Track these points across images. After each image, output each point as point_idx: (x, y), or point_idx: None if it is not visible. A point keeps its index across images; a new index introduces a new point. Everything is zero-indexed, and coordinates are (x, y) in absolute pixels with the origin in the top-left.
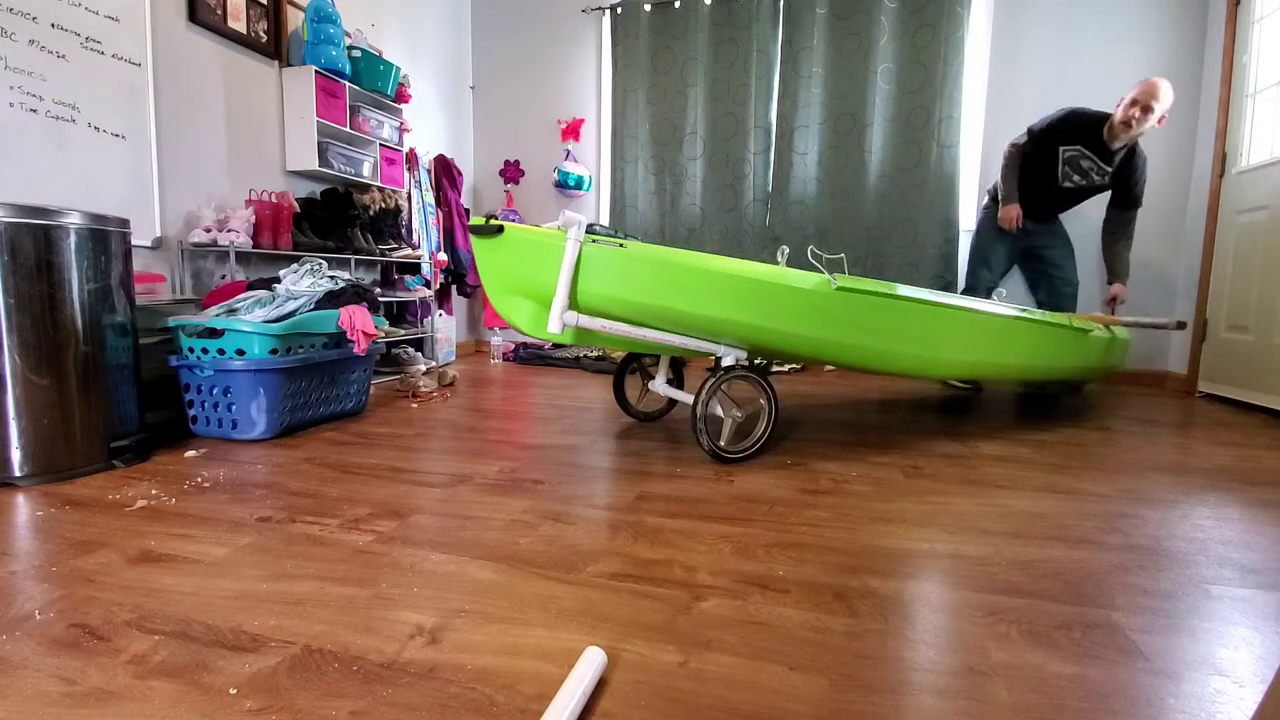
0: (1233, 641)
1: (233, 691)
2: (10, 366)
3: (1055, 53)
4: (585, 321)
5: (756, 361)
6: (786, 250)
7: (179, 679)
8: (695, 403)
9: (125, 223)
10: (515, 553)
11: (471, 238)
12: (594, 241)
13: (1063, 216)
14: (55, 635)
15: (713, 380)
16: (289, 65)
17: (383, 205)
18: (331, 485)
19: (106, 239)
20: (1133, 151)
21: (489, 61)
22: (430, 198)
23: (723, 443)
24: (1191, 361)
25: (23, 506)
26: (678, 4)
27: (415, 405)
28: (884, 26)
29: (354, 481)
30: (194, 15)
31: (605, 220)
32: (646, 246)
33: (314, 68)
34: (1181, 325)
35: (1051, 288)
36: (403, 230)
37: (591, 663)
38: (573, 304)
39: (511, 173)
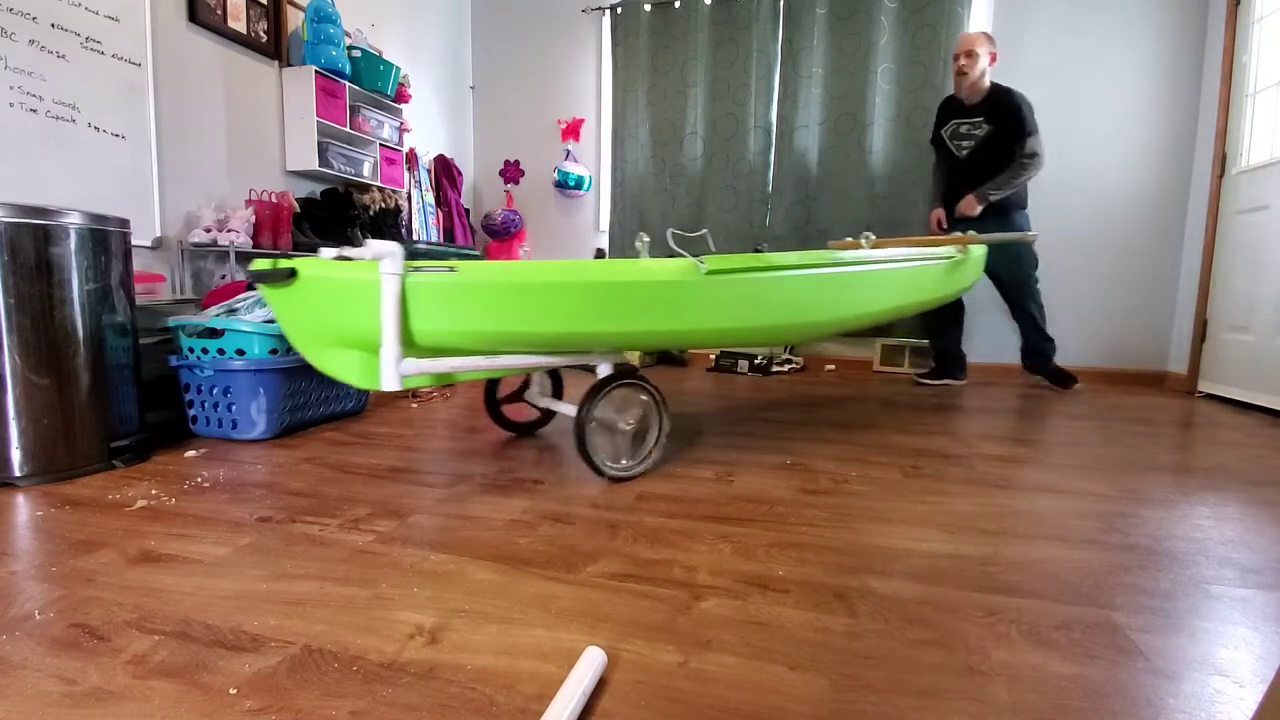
0: (1233, 641)
1: (233, 691)
2: (10, 366)
3: (1055, 53)
4: (426, 366)
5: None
6: (646, 239)
7: (179, 679)
8: (578, 423)
9: (125, 223)
10: (515, 553)
11: (259, 288)
12: (416, 270)
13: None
14: (55, 635)
15: (594, 395)
16: (289, 65)
17: (383, 205)
18: (331, 485)
19: (106, 239)
20: (997, 93)
21: (489, 61)
22: (430, 198)
23: (624, 461)
24: (1191, 361)
25: (23, 506)
26: (678, 4)
27: (415, 405)
28: (884, 26)
29: (354, 481)
30: (194, 15)
31: (605, 220)
32: (482, 266)
33: (314, 68)
34: (1033, 239)
35: (994, 275)
36: (403, 230)
37: (591, 663)
38: (406, 347)
39: (511, 173)
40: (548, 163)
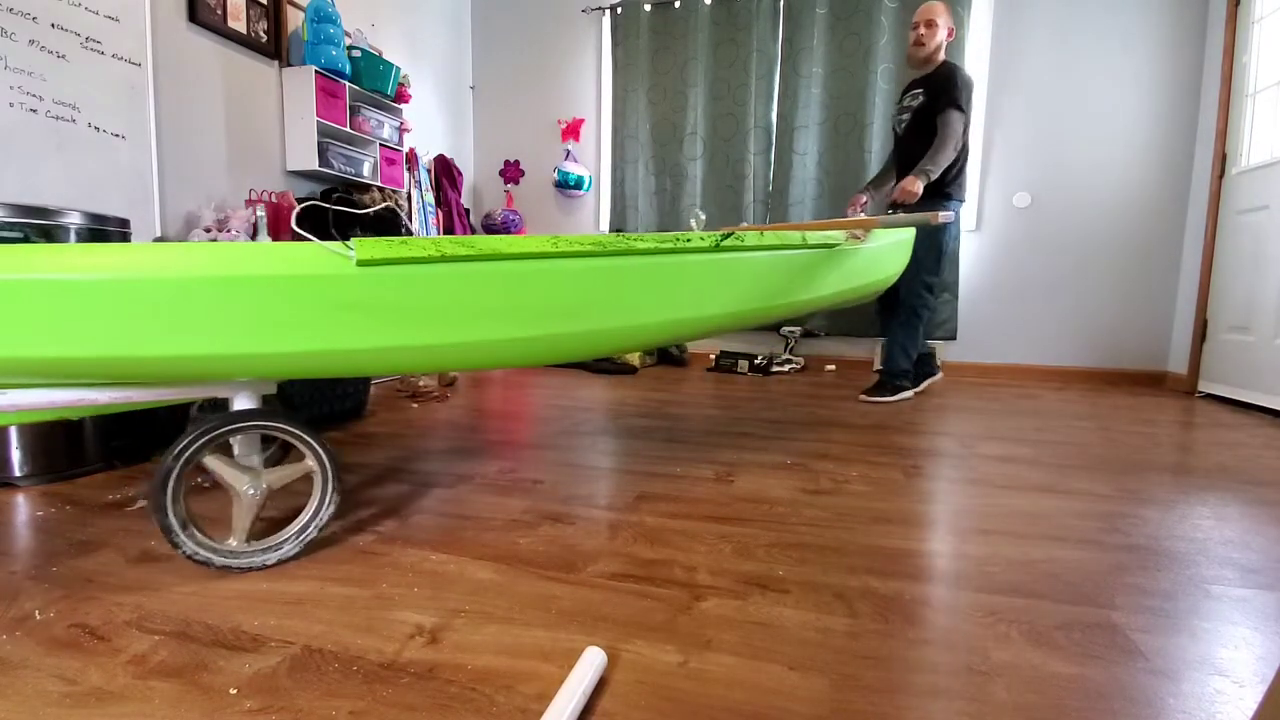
0: (1233, 641)
1: (233, 691)
2: None
3: (1055, 53)
4: None
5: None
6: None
7: (179, 679)
8: (155, 485)
9: (125, 223)
10: (515, 553)
11: None
12: None
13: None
14: (55, 635)
15: (193, 440)
16: (289, 65)
17: (383, 205)
18: None
19: (106, 239)
20: (941, 66)
21: (489, 61)
22: (430, 198)
23: (234, 541)
24: (1191, 361)
25: (23, 506)
26: (678, 4)
27: (415, 406)
28: (884, 26)
29: (354, 481)
30: (194, 15)
31: (605, 220)
32: None
33: (314, 68)
34: (948, 219)
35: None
36: (403, 230)
37: (591, 663)
38: None
39: (511, 173)
40: (548, 163)
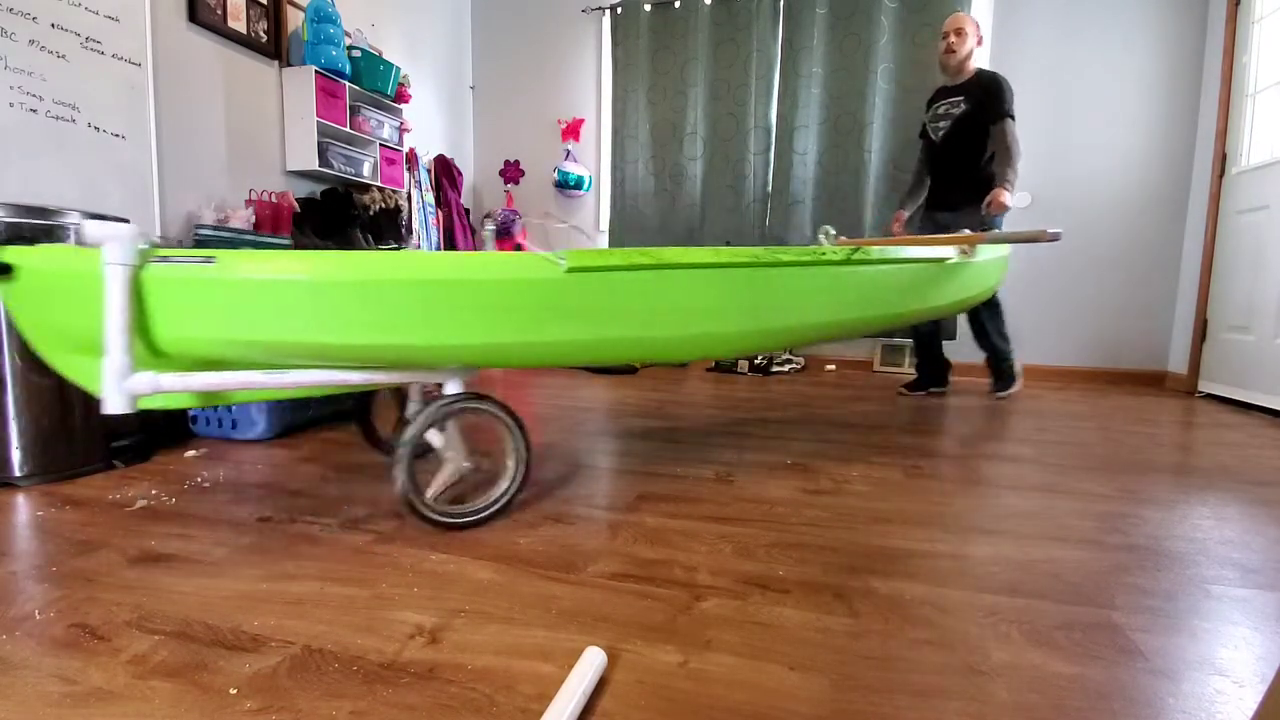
0: (1233, 641)
1: (233, 691)
2: (10, 366)
3: (1055, 53)
4: (170, 383)
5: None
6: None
7: (179, 679)
8: (397, 450)
9: (125, 222)
10: (515, 553)
11: None
12: (162, 260)
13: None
14: (55, 635)
15: (423, 417)
16: (289, 65)
17: (383, 205)
18: (331, 485)
19: None
20: (980, 74)
21: (489, 61)
22: (430, 198)
23: (453, 505)
24: (1191, 361)
25: (23, 506)
26: (678, 4)
27: None
28: (884, 26)
29: (354, 481)
30: (194, 15)
31: (605, 220)
32: (255, 257)
33: (314, 68)
34: (1055, 236)
35: None
36: (403, 230)
37: (591, 663)
38: (149, 357)
39: (511, 173)
40: (548, 163)
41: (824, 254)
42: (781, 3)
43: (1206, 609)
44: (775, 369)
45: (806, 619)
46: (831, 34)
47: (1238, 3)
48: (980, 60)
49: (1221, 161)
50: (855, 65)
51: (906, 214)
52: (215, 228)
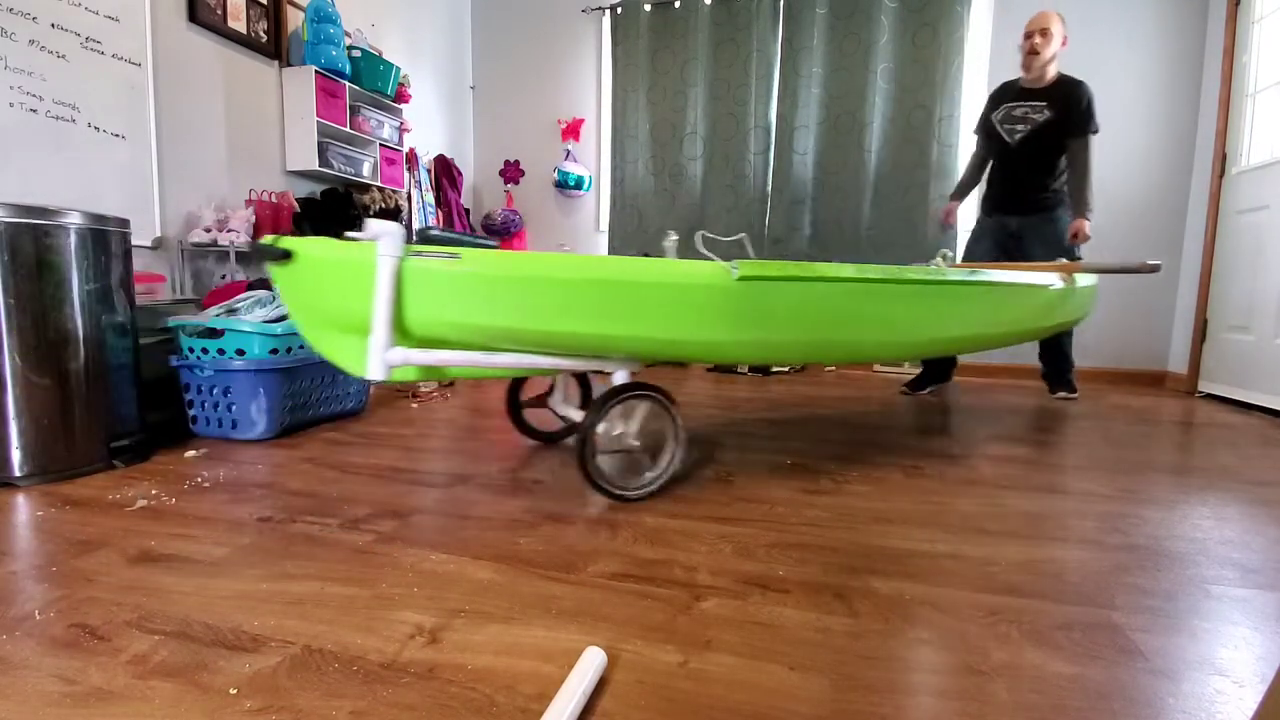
0: (1233, 641)
1: (233, 691)
2: (10, 366)
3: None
4: (418, 357)
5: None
6: (675, 237)
7: (179, 679)
8: (582, 435)
9: (125, 223)
10: (515, 553)
11: (267, 265)
12: (416, 255)
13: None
14: (55, 635)
15: (602, 405)
16: (289, 65)
17: (383, 205)
18: (331, 485)
19: (106, 239)
20: (1066, 82)
21: (489, 61)
22: (430, 198)
23: (626, 482)
24: (1191, 361)
25: (23, 506)
26: (678, 4)
27: (415, 405)
28: (884, 26)
29: (354, 481)
30: (194, 15)
31: (605, 220)
32: (490, 254)
33: (314, 68)
34: (1155, 268)
35: None
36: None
37: (591, 663)
38: (402, 336)
39: (511, 173)
40: (548, 163)
41: (944, 274)
42: (781, 3)
43: (1206, 609)
44: (775, 369)
45: (806, 619)
46: (831, 34)
47: (1238, 3)
48: (976, 58)
49: (1221, 161)
50: (855, 65)
51: (957, 205)
52: (441, 230)
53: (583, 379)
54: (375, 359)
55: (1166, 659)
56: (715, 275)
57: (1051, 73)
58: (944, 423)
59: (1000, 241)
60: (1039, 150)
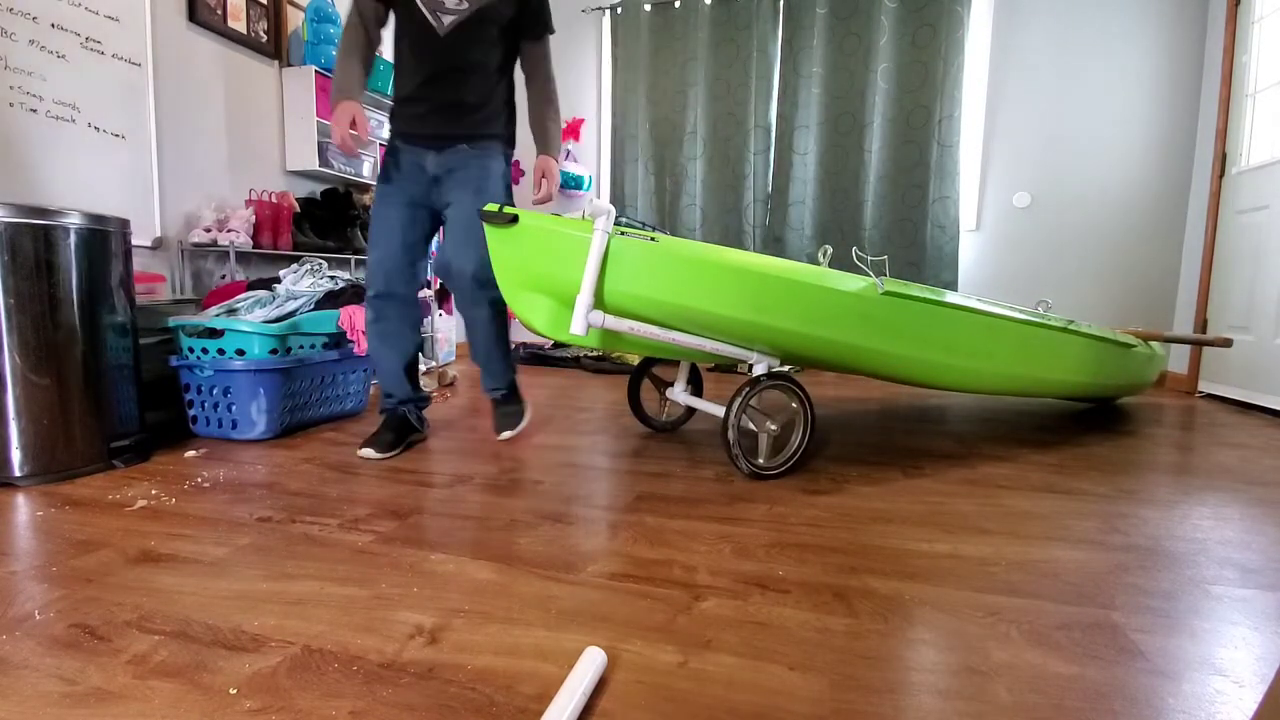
0: (1233, 641)
1: (233, 691)
2: (10, 366)
3: (1055, 52)
4: (610, 323)
5: (789, 369)
6: (830, 250)
7: (179, 679)
8: (727, 418)
9: (125, 223)
10: (515, 553)
11: (485, 226)
12: (623, 234)
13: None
14: (55, 635)
15: (746, 391)
16: (289, 65)
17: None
18: (331, 485)
19: (106, 239)
20: None
21: None
22: None
23: (761, 460)
24: (1191, 361)
25: (23, 506)
26: (678, 4)
27: None
28: (884, 26)
29: (354, 481)
30: (194, 15)
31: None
32: (679, 242)
33: (314, 68)
34: (1228, 343)
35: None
36: None
37: (591, 663)
38: (598, 303)
39: (512, 172)
40: None
41: (1046, 319)
42: (781, 3)
43: (1206, 609)
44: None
45: (806, 619)
46: (831, 34)
47: (1238, 3)
48: (976, 58)
49: (1221, 161)
50: (855, 65)
51: (359, 108)
52: (628, 218)
53: (694, 374)
54: (580, 319)
55: (1166, 659)
56: (864, 287)
57: None
58: (944, 423)
59: (405, 197)
60: (479, 44)
